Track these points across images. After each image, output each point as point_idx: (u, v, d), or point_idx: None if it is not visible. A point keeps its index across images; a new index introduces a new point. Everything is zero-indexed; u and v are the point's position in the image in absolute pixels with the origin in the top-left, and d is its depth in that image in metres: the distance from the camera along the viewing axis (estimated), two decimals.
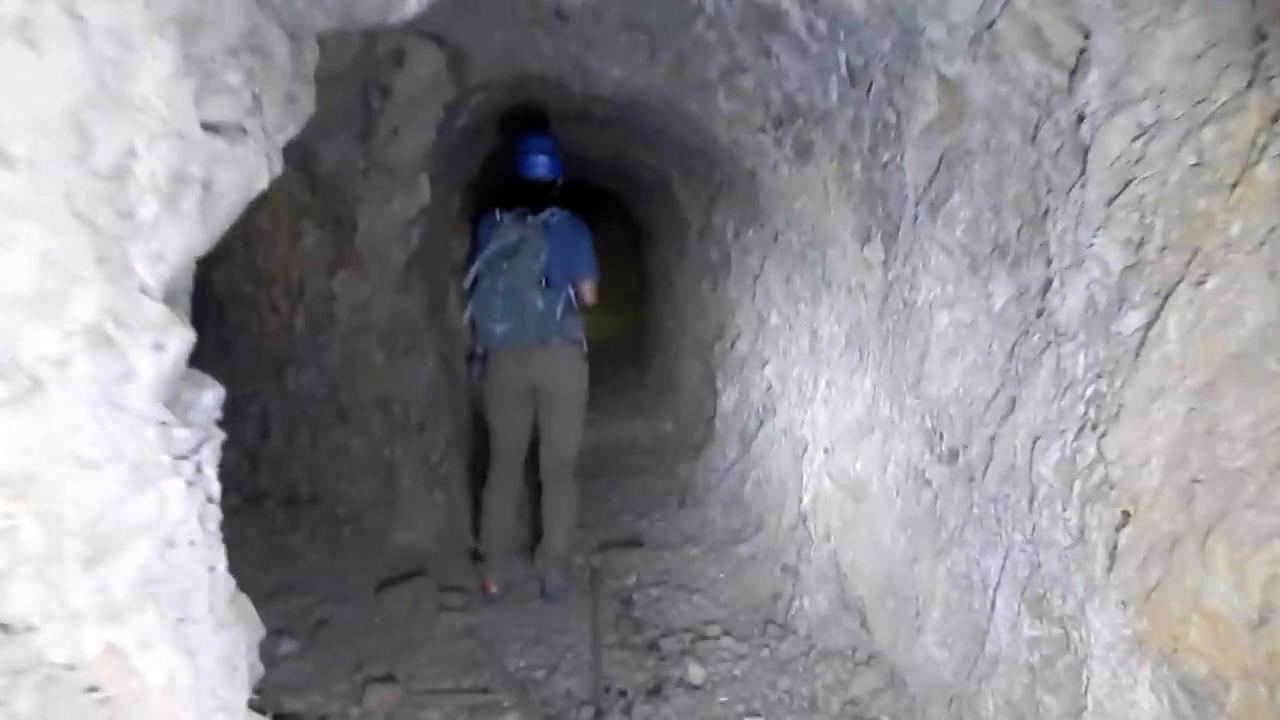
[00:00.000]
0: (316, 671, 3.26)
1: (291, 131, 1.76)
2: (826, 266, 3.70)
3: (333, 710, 3.03)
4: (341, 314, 4.69)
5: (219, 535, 1.39)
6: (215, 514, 1.34)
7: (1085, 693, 2.12)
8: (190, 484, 1.22)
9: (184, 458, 1.22)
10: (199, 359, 4.87)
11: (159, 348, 1.13)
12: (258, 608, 3.79)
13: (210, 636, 1.24)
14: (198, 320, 4.75)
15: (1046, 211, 2.16)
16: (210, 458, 1.32)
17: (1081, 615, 2.13)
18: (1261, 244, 1.57)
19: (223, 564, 1.33)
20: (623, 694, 3.22)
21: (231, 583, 1.57)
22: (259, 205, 4.74)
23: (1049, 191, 2.13)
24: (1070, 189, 2.04)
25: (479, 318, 4.08)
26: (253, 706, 1.94)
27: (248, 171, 1.41)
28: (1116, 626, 2.00)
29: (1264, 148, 1.58)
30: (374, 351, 4.70)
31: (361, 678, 3.24)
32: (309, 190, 4.69)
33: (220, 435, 1.39)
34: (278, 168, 1.58)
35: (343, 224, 4.69)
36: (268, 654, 3.31)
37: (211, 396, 1.36)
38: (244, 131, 1.43)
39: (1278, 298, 1.56)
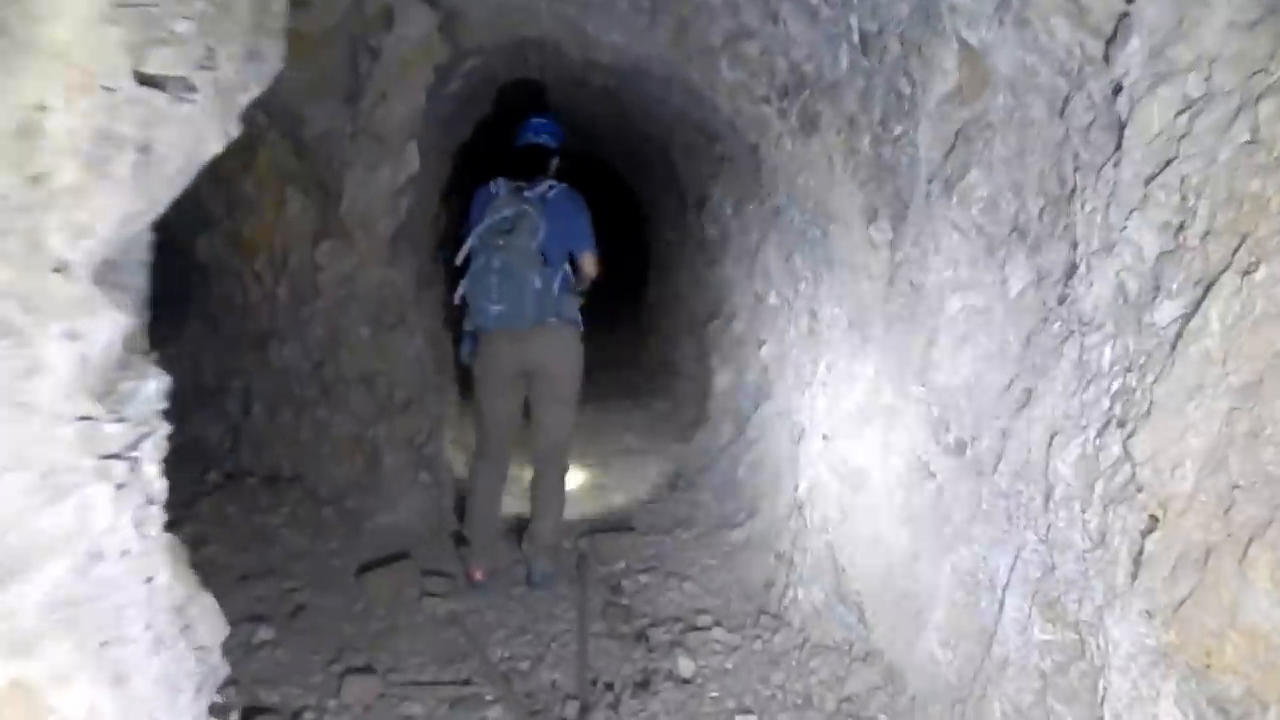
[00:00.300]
0: (293, 661, 3.14)
1: (255, 91, 1.59)
2: (829, 245, 3.54)
3: (309, 703, 2.90)
4: (326, 286, 4.53)
5: (162, 540, 1.25)
6: (157, 517, 1.20)
7: (1101, 703, 2.00)
8: (122, 486, 1.08)
9: (115, 457, 1.07)
10: (184, 332, 4.62)
11: (77, 335, 0.98)
12: (235, 591, 3.66)
13: (147, 657, 1.10)
14: (181, 291, 4.51)
15: (1073, 191, 2.00)
16: (152, 454, 1.17)
17: (1099, 622, 2.00)
18: None
19: (165, 573, 1.19)
20: (609, 687, 3.09)
21: (181, 589, 1.43)
22: (244, 171, 4.58)
23: (1077, 170, 1.98)
24: (1101, 167, 1.89)
25: (472, 297, 3.86)
26: (214, 711, 1.81)
27: (195, 133, 1.25)
28: (1139, 636, 1.87)
29: None
30: (359, 326, 4.54)
31: (340, 668, 3.11)
32: (295, 156, 4.51)
33: (164, 428, 1.23)
34: (234, 130, 1.42)
35: (328, 192, 4.51)
36: (244, 642, 3.21)
37: (154, 386, 1.21)
38: (192, 88, 1.27)
39: None
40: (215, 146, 1.36)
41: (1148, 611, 1.83)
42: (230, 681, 2.86)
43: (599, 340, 4.53)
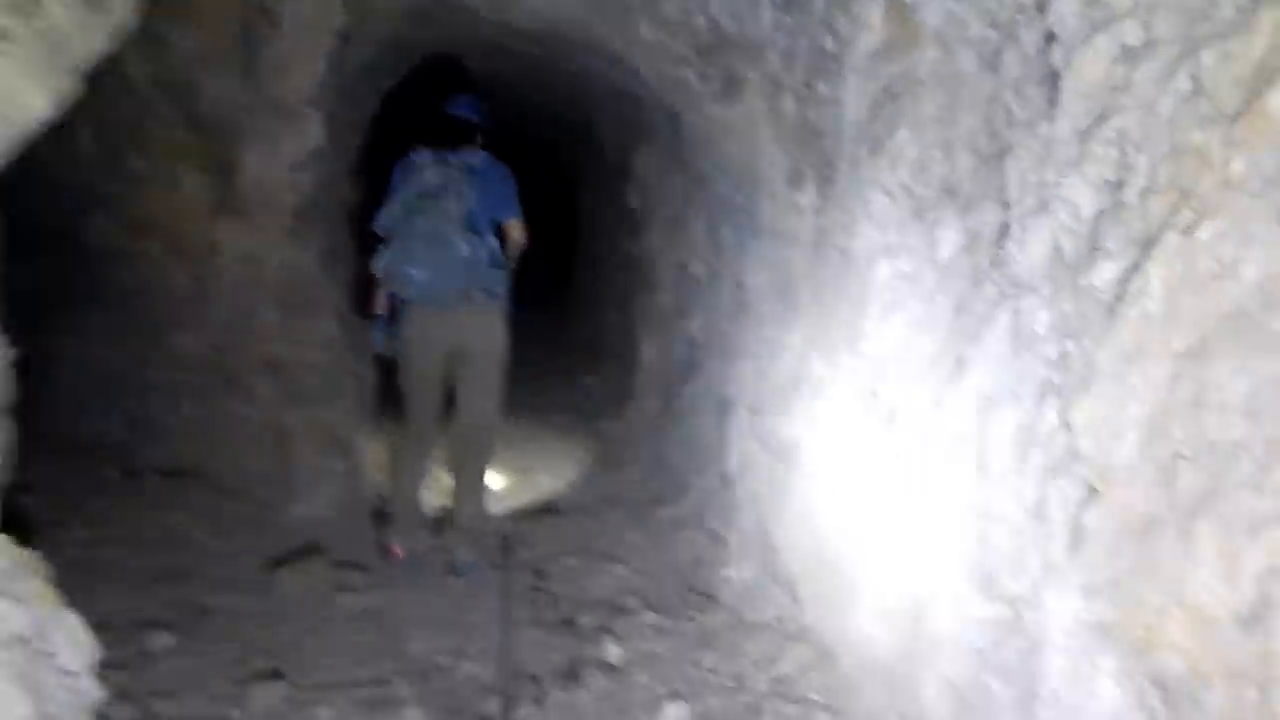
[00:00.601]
0: (194, 670, 2.92)
1: (98, 45, 1.39)
2: (755, 213, 3.42)
3: (211, 714, 2.70)
4: (226, 268, 4.27)
5: None
6: None
7: (1039, 680, 1.94)
8: None
9: None
10: (76, 321, 4.27)
11: None
12: (133, 596, 3.42)
13: None
14: (69, 275, 4.17)
15: (1005, 149, 1.91)
16: None
17: (1036, 598, 1.93)
18: (1269, 184, 1.34)
19: None
20: (534, 679, 2.96)
21: (28, 614, 1.24)
22: (133, 145, 4.30)
23: (1009, 126, 1.88)
24: (1034, 123, 1.80)
25: (395, 264, 3.73)
26: None
27: (10, 89, 1.06)
28: (1077, 612, 1.80)
29: (1274, 73, 1.34)
30: (264, 310, 4.30)
31: (245, 674, 2.91)
32: (188, 129, 4.23)
33: None
34: (67, 87, 1.22)
35: (226, 167, 4.24)
36: (140, 652, 2.98)
37: None
38: (5, 36, 1.08)
39: None
40: (41, 105, 1.17)
41: (1086, 587, 1.76)
42: (121, 696, 2.67)
43: (525, 315, 4.38)
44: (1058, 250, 1.75)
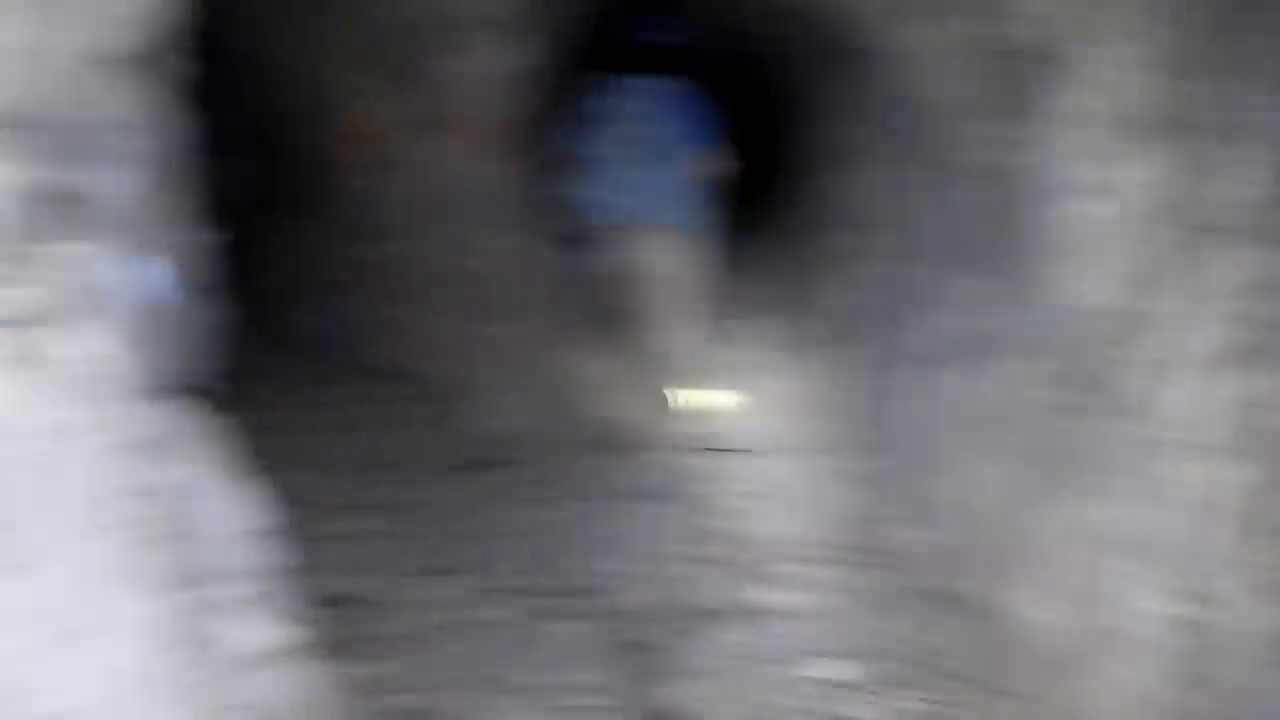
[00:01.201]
0: (382, 556, 3.11)
1: None
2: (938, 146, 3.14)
3: (387, 599, 2.86)
4: (431, 182, 4.46)
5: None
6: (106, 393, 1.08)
7: None
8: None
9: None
10: (282, 223, 4.37)
11: None
12: (331, 481, 3.56)
13: (67, 543, 0.97)
14: (280, 179, 4.22)
15: None
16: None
17: None
18: None
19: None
20: (693, 614, 2.86)
21: (205, 476, 1.35)
22: (327, 57, 4.29)
23: None
24: None
25: (587, 189, 3.92)
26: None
27: None
28: None
29: None
30: (467, 224, 4.46)
31: (426, 566, 3.06)
32: (378, 41, 4.31)
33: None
34: None
35: (421, 81, 4.31)
36: (331, 534, 3.07)
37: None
38: None
39: None
40: None
41: None
42: (310, 569, 2.89)
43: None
44: None
